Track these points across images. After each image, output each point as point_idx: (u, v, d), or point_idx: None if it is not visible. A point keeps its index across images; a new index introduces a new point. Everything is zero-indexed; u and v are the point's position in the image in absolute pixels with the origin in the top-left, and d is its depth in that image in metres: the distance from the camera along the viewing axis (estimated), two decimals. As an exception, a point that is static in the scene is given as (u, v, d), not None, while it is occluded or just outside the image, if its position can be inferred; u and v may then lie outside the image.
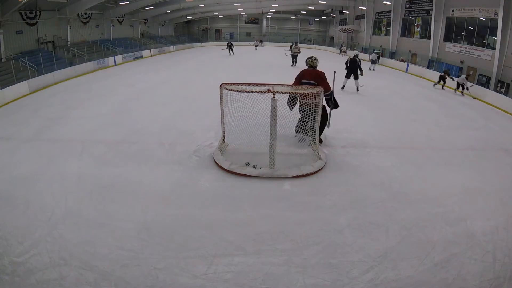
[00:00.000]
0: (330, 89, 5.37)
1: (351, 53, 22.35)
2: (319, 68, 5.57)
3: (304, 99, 4.88)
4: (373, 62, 16.66)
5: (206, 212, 3.57)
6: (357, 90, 10.09)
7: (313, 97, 4.70)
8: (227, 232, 3.23)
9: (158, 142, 5.56)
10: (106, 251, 2.91)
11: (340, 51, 25.03)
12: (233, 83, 4.52)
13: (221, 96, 4.68)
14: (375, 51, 22.52)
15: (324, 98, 5.04)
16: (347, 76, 10.21)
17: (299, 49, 16.28)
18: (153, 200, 3.76)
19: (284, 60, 17.07)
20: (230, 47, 21.99)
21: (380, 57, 20.98)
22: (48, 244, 2.98)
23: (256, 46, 27.11)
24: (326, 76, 5.33)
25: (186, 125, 6.45)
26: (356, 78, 10.12)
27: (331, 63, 15.44)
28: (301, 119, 5.21)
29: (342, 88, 10.12)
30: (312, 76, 5.31)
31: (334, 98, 5.51)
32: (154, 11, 24.67)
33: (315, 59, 5.68)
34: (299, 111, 5.11)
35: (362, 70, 10.28)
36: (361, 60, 10.31)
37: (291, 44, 20.50)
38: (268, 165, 4.40)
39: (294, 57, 16.01)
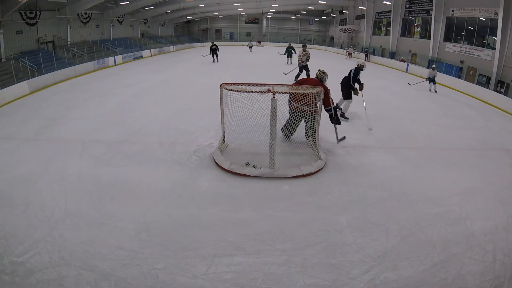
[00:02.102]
0: (331, 104, 5.23)
1: (359, 56, 22.00)
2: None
3: (295, 102, 4.88)
4: (431, 80, 10.96)
5: (206, 212, 3.57)
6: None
7: (304, 102, 4.69)
8: (227, 232, 3.23)
9: (158, 142, 5.56)
10: (106, 251, 2.91)
11: (347, 54, 22.43)
12: (233, 83, 4.52)
13: (221, 96, 4.68)
14: (364, 49, 22.22)
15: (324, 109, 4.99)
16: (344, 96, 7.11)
17: (308, 56, 10.70)
18: (153, 200, 3.77)
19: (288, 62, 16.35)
20: (214, 51, 16.80)
21: (369, 55, 21.26)
22: (48, 244, 2.99)
23: (250, 47, 25.61)
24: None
25: (186, 125, 6.45)
26: (346, 97, 6.98)
27: (333, 66, 15.41)
28: (288, 121, 5.18)
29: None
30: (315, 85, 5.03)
31: (336, 114, 5.40)
32: (154, 11, 24.68)
33: (323, 72, 5.51)
34: (288, 112, 5.09)
35: (361, 84, 6.88)
36: (360, 72, 6.94)
37: (287, 46, 16.49)
38: (268, 165, 4.40)
39: (304, 69, 10.75)
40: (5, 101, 8.50)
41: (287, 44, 17.67)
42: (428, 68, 11.43)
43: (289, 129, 5.22)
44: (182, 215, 3.51)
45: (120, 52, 18.48)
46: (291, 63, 16.19)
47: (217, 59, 17.08)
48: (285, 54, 16.74)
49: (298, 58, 10.99)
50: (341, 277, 2.72)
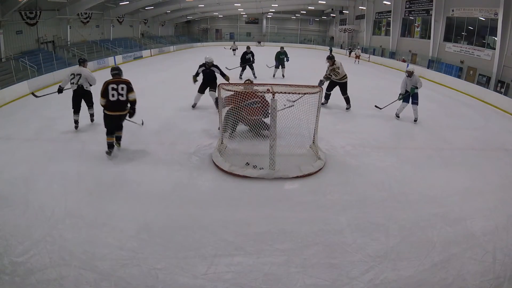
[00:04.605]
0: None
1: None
2: None
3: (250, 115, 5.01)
4: (410, 95, 7.04)
5: (206, 212, 3.57)
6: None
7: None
8: (227, 232, 3.23)
9: (158, 142, 5.56)
10: (106, 251, 2.91)
11: (354, 55, 20.11)
12: (232, 83, 4.51)
13: (219, 96, 4.67)
14: (355, 48, 21.44)
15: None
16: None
17: (334, 70, 7.50)
18: (153, 200, 3.76)
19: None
20: (248, 61, 10.99)
21: (352, 52, 21.18)
22: (48, 244, 2.98)
23: (234, 50, 21.28)
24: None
25: (186, 125, 6.45)
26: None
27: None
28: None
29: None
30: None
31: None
32: (154, 11, 24.71)
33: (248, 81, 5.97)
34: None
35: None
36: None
37: (278, 52, 11.46)
38: (268, 165, 4.39)
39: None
40: (5, 101, 8.50)
41: (284, 47, 12.04)
42: (409, 76, 6.95)
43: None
44: (182, 215, 3.51)
45: (120, 52, 18.50)
46: (283, 76, 11.53)
47: (253, 73, 11.09)
48: (274, 65, 11.56)
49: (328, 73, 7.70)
50: (341, 277, 2.72)
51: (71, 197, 3.80)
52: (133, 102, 4.77)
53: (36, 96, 6.85)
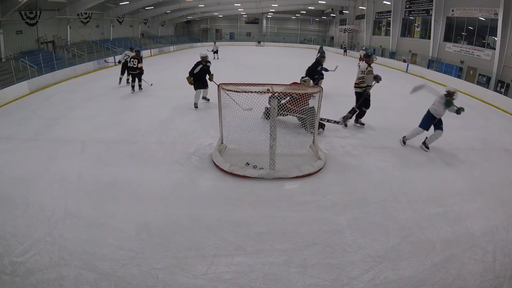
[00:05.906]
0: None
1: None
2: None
3: (290, 105, 5.41)
4: (434, 123, 5.58)
5: (206, 212, 3.57)
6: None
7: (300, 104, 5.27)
8: (227, 232, 3.23)
9: (158, 142, 5.56)
10: (106, 251, 2.91)
11: (359, 56, 17.27)
12: (232, 83, 4.50)
13: (219, 96, 4.66)
14: (360, 49, 20.61)
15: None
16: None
17: (371, 74, 6.24)
18: (153, 200, 3.77)
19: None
20: (317, 75, 8.00)
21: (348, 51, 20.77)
22: (48, 244, 2.99)
23: (215, 52, 18.92)
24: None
25: (186, 125, 6.45)
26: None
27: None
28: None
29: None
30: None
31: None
32: (154, 11, 24.69)
33: (305, 80, 6.28)
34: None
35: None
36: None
37: (317, 60, 8.28)
38: (268, 166, 4.39)
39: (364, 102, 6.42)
40: (5, 101, 8.50)
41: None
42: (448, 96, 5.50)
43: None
44: (182, 215, 3.51)
45: (120, 52, 18.46)
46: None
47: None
48: (316, 77, 7.96)
49: (358, 78, 6.19)
50: (341, 277, 2.72)
51: (71, 197, 3.80)
52: (140, 68, 9.23)
53: (107, 62, 13.26)
